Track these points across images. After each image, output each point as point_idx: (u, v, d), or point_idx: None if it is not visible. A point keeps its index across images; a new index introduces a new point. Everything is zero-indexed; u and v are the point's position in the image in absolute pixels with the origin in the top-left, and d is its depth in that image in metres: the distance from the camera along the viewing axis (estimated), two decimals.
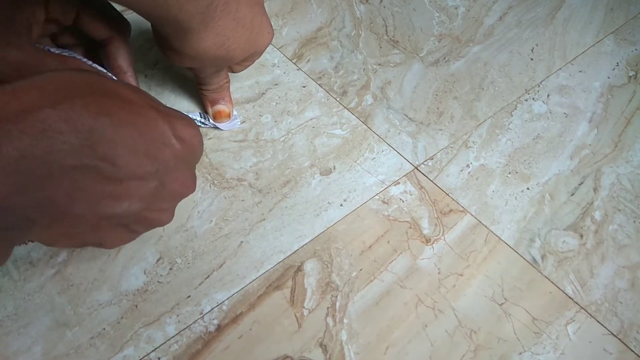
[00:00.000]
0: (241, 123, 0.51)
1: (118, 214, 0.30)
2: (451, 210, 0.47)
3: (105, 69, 0.44)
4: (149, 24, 0.58)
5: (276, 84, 0.55)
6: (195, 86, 0.50)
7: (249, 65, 0.49)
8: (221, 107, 0.50)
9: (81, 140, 0.27)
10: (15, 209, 0.27)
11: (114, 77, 0.43)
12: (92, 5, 0.42)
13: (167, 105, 0.52)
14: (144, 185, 0.31)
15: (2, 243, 0.29)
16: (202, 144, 0.34)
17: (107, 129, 0.27)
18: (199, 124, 0.50)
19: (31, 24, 0.39)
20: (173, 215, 0.36)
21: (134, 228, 0.34)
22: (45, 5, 0.40)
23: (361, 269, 0.43)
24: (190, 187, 0.35)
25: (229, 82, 0.50)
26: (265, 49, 0.47)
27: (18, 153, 0.25)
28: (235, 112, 0.51)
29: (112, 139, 0.28)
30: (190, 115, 0.49)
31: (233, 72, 0.50)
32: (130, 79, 0.44)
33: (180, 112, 0.33)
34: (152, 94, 0.53)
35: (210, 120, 0.50)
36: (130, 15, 0.59)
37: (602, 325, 0.42)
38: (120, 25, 0.44)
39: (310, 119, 0.52)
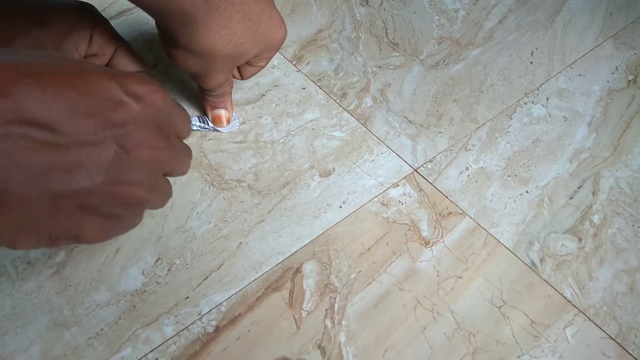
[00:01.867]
0: (240, 124, 0.51)
1: (76, 190, 0.27)
2: (450, 213, 0.47)
3: None
4: (148, 25, 0.59)
5: (276, 86, 0.55)
6: (196, 88, 0.50)
7: (263, 67, 0.48)
8: (221, 112, 0.50)
9: (1, 104, 0.24)
10: None
11: None
12: (127, 43, 0.45)
13: None
14: (99, 151, 0.27)
15: None
16: (169, 102, 0.30)
17: (32, 89, 0.24)
18: (198, 128, 0.50)
19: (72, 53, 0.41)
20: (154, 191, 0.30)
21: (112, 212, 0.29)
22: (90, 38, 0.42)
23: (360, 271, 0.43)
24: (163, 149, 0.30)
25: (231, 87, 0.49)
26: (280, 45, 0.46)
27: None
28: (234, 114, 0.51)
29: (41, 99, 0.25)
30: None
31: (242, 78, 0.49)
32: None
33: (137, 74, 0.30)
34: None
35: (209, 123, 0.50)
36: (131, 17, 0.59)
37: (600, 328, 0.42)
38: (144, 62, 0.46)
39: (310, 121, 0.52)
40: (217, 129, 0.50)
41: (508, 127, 0.53)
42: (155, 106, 0.29)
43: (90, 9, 0.43)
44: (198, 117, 0.50)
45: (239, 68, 0.48)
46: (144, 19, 0.59)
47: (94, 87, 0.27)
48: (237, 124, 0.51)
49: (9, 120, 0.24)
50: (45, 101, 0.25)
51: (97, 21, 0.43)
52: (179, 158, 0.32)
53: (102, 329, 0.39)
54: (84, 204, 0.28)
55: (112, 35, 0.44)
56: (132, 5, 0.60)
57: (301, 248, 0.44)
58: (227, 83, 0.48)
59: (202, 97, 0.49)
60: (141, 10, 0.60)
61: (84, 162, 0.26)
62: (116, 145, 0.27)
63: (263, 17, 0.43)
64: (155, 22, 0.42)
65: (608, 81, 0.58)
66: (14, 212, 0.26)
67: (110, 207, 0.29)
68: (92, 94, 0.26)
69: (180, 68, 0.44)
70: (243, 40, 0.42)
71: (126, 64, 0.45)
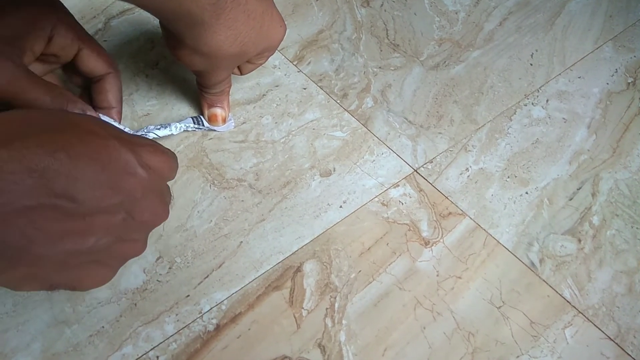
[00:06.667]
0: (241, 124, 0.51)
1: (85, 250, 0.29)
2: (450, 213, 0.47)
3: (93, 103, 0.45)
4: (150, 24, 0.59)
5: (277, 86, 0.55)
6: (195, 88, 0.51)
7: (262, 64, 0.49)
8: (218, 110, 0.50)
9: (36, 179, 0.25)
10: None
11: (94, 113, 0.43)
12: (94, 42, 0.43)
13: (168, 105, 0.52)
14: (110, 218, 0.29)
15: None
16: (174, 169, 0.33)
17: (64, 165, 0.26)
18: (194, 128, 0.50)
19: (25, 52, 0.39)
20: (146, 244, 0.34)
21: (108, 263, 0.32)
22: (49, 39, 0.40)
23: (360, 271, 0.43)
24: (161, 215, 0.33)
25: (230, 87, 0.50)
26: (279, 43, 0.47)
27: None
28: (230, 115, 0.51)
29: (71, 174, 0.26)
30: (182, 123, 0.49)
31: (242, 73, 0.49)
32: (115, 115, 0.45)
33: (147, 139, 0.32)
34: (153, 93, 0.53)
35: (205, 123, 0.50)
36: (132, 16, 0.60)
37: (599, 329, 0.42)
38: (114, 61, 0.44)
39: (311, 121, 0.52)
40: (212, 128, 0.50)
41: (508, 129, 0.54)
42: (163, 175, 0.31)
43: (52, 1, 0.40)
44: (193, 118, 0.50)
45: (239, 65, 0.49)
46: (146, 18, 0.59)
47: (113, 159, 0.28)
48: (233, 124, 0.51)
49: (41, 194, 0.26)
50: (75, 176, 0.26)
51: (59, 18, 0.40)
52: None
53: (103, 327, 0.39)
54: (87, 259, 0.30)
55: (75, 34, 0.41)
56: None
57: (302, 247, 0.44)
58: (227, 81, 0.48)
59: (200, 95, 0.50)
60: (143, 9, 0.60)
61: (95, 227, 0.28)
62: (124, 212, 0.30)
63: (265, 17, 0.43)
64: (160, 23, 0.43)
65: (607, 83, 0.58)
66: (26, 267, 0.27)
67: (111, 260, 0.32)
68: (111, 166, 0.28)
69: (184, 66, 0.44)
70: (247, 39, 0.42)
71: (91, 66, 0.43)
